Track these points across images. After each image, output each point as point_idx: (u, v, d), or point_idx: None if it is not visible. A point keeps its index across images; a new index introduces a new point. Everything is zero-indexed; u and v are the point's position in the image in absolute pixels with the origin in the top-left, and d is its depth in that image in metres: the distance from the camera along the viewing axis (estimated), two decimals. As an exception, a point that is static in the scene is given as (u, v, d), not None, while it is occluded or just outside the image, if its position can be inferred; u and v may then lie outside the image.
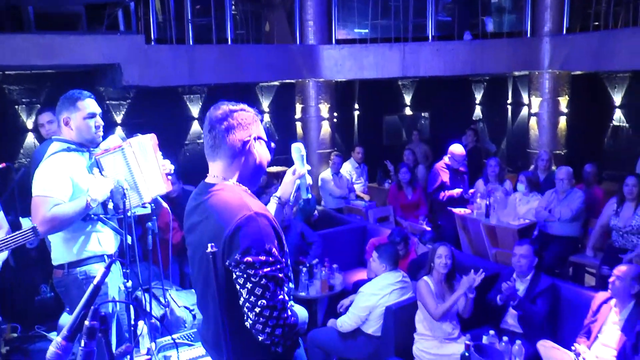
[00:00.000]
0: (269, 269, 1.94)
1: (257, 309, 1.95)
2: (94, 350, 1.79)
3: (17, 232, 2.83)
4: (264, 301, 1.94)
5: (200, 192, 2.17)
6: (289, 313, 2.02)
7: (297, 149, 2.41)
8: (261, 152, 2.20)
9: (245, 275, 1.95)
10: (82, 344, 1.81)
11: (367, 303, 4.32)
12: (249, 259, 1.92)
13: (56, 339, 1.82)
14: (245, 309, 1.98)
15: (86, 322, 1.81)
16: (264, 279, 1.94)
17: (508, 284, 4.19)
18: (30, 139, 8.09)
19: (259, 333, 1.98)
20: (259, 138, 2.18)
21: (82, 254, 3.23)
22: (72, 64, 6.59)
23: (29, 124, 8.05)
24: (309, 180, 2.45)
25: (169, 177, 3.50)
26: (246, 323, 1.99)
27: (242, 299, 1.98)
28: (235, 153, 2.13)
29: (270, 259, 1.95)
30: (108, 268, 1.92)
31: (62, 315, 4.47)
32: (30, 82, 8.03)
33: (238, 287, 1.98)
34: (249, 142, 2.14)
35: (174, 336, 3.20)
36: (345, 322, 4.39)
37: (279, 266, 1.98)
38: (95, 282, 1.87)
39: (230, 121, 2.11)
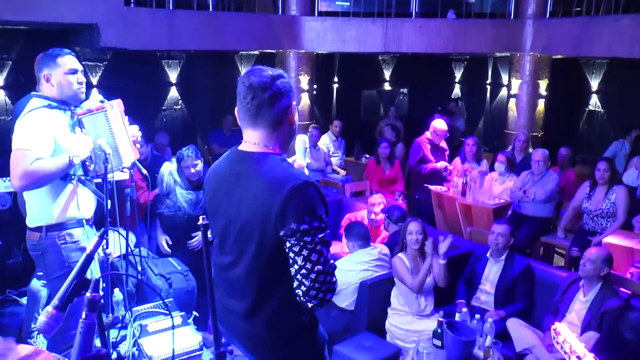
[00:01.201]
0: (322, 234, 1.99)
1: (313, 275, 1.98)
2: (95, 322, 1.76)
3: None
4: (319, 267, 1.98)
5: (239, 159, 2.13)
6: (335, 277, 2.08)
7: (302, 141, 2.43)
8: (296, 118, 2.19)
9: (301, 243, 1.96)
10: (84, 315, 1.77)
11: (342, 279, 4.33)
12: (305, 226, 1.94)
13: (47, 309, 1.79)
14: (299, 276, 2.00)
15: (87, 294, 1.77)
16: (319, 245, 1.98)
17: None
18: (0, 96, 7.89)
19: (311, 299, 2.00)
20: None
21: (61, 217, 3.15)
22: (47, 22, 6.40)
23: (0, 80, 7.84)
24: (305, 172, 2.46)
25: (137, 144, 3.44)
26: (298, 291, 2.02)
27: (294, 267, 2.00)
28: (279, 121, 2.09)
29: (323, 224, 1.98)
30: (101, 237, 1.89)
31: (32, 280, 4.41)
32: (2, 38, 7.79)
33: (292, 255, 1.99)
34: (291, 109, 2.12)
35: (149, 305, 3.16)
36: None
37: (328, 231, 2.03)
38: (88, 251, 1.84)
39: (274, 89, 2.05)
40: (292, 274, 2.02)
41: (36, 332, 4.17)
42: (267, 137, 2.10)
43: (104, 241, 3.07)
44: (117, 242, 3.17)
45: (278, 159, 2.09)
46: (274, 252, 2.03)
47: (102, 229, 2.02)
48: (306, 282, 1.99)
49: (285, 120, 2.11)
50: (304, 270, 1.98)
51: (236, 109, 2.14)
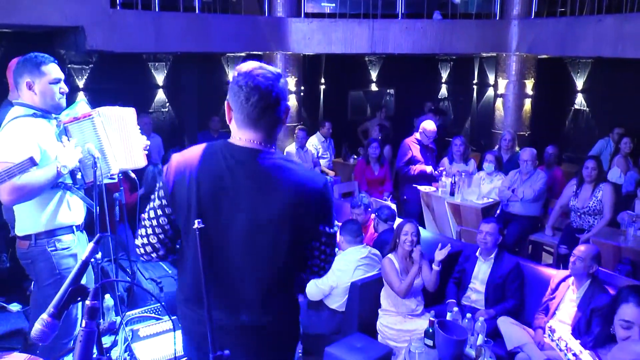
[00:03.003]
0: (337, 230, 2.16)
1: (329, 261, 2.21)
2: (96, 330, 1.74)
3: (14, 164, 2.66)
4: (332, 255, 2.22)
5: (245, 157, 2.04)
6: None
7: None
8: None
9: (327, 242, 2.14)
10: (83, 324, 1.75)
11: (334, 279, 4.33)
12: (334, 230, 2.14)
13: (42, 316, 1.76)
14: (317, 264, 2.19)
15: (87, 302, 1.75)
16: (335, 239, 2.20)
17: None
18: (-16, 100, 7.80)
19: (315, 275, 2.24)
20: None
21: (50, 224, 3.10)
22: (32, 24, 6.33)
23: (-17, 84, 7.75)
24: None
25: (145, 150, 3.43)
26: (309, 274, 2.22)
27: (314, 259, 2.17)
28: (280, 122, 2.08)
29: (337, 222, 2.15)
30: (97, 244, 1.87)
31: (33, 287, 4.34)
32: (-16, 41, 7.72)
33: (312, 250, 2.14)
34: (289, 109, 2.12)
35: (140, 310, 3.14)
36: (310, 291, 4.41)
37: None
38: (83, 257, 1.82)
39: (278, 91, 2.01)
40: (310, 263, 2.17)
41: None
42: (268, 137, 2.06)
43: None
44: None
45: (290, 160, 2.13)
46: (293, 247, 2.07)
47: (97, 235, 1.99)
48: (325, 267, 2.21)
49: (284, 120, 2.10)
50: (320, 262, 2.17)
51: (229, 106, 2.06)
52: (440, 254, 4.29)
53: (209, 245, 1.99)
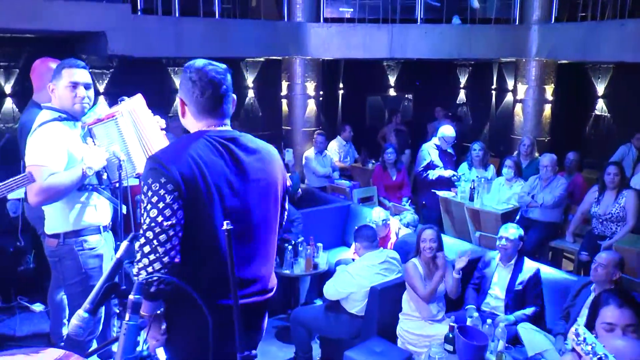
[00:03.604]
0: None
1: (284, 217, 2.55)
2: (138, 325, 1.77)
3: (12, 178, 2.69)
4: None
5: (226, 134, 2.23)
6: None
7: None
8: None
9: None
10: (127, 317, 1.79)
11: (350, 283, 4.33)
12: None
13: (78, 312, 1.80)
14: (280, 222, 2.47)
15: (131, 297, 1.78)
16: None
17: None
18: (8, 104, 7.92)
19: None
20: None
21: (78, 224, 3.16)
22: (55, 30, 6.44)
23: (7, 88, 7.87)
24: None
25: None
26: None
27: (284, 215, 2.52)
28: (229, 111, 2.32)
29: None
30: (131, 242, 1.90)
31: (52, 287, 4.39)
32: (10, 46, 7.84)
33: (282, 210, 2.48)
34: (235, 101, 2.37)
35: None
36: (327, 290, 4.42)
37: None
38: (118, 255, 1.85)
39: (227, 85, 2.27)
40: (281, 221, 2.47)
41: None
42: (224, 119, 2.28)
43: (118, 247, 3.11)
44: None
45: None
46: (282, 210, 2.45)
47: (131, 233, 2.01)
48: (282, 224, 2.52)
49: (232, 110, 2.33)
50: (282, 219, 2.48)
51: (183, 102, 2.23)
52: (460, 262, 4.27)
53: (234, 231, 1.99)
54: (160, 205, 2.00)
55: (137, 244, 2.01)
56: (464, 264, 4.26)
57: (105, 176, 3.22)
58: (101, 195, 3.25)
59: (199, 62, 2.19)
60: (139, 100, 3.25)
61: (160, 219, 1.99)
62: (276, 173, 2.33)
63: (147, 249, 1.98)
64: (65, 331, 4.01)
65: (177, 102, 2.23)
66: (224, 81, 2.22)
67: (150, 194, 2.02)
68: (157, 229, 1.99)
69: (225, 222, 1.82)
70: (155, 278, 1.96)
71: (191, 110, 2.22)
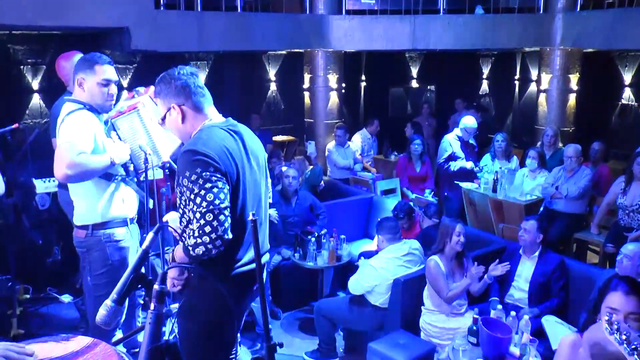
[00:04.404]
0: None
1: None
2: (163, 313, 1.83)
3: None
4: None
5: (237, 131, 2.54)
6: None
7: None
8: None
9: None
10: (152, 307, 1.87)
11: (375, 275, 4.34)
12: None
13: (106, 302, 1.86)
14: None
15: (155, 286, 1.86)
16: None
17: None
18: (35, 99, 8.07)
19: None
20: None
21: (106, 216, 3.24)
22: (80, 26, 6.53)
23: (35, 84, 8.02)
24: None
25: None
26: None
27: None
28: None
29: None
30: (156, 234, 1.95)
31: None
32: (36, 43, 7.98)
33: None
34: None
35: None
36: (352, 286, 4.43)
37: None
38: (144, 246, 1.90)
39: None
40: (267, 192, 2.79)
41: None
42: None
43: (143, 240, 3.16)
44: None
45: None
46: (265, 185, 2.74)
47: (157, 225, 2.08)
48: None
49: None
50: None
51: (181, 110, 2.48)
52: (497, 270, 4.26)
53: (252, 205, 2.53)
54: (215, 190, 2.28)
55: (194, 225, 2.26)
56: (500, 273, 4.26)
57: (131, 167, 3.28)
58: (128, 186, 3.31)
59: (178, 69, 2.51)
60: (148, 94, 3.34)
61: (217, 201, 2.27)
62: (261, 150, 2.68)
63: (208, 228, 2.24)
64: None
65: (172, 111, 2.49)
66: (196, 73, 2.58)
67: (201, 181, 2.27)
68: (217, 211, 2.26)
69: (251, 213, 2.09)
70: (213, 251, 2.27)
71: (191, 110, 2.50)
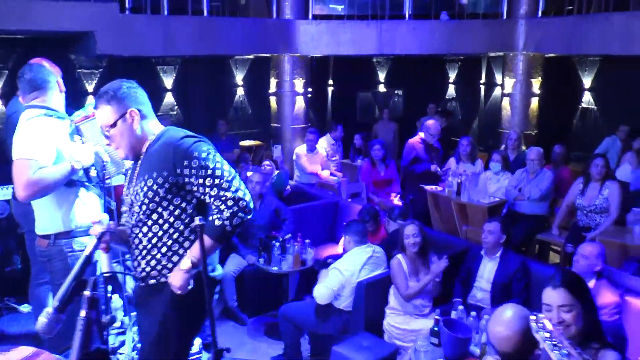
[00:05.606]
0: None
1: None
2: (94, 319, 1.81)
3: None
4: None
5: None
6: None
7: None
8: None
9: None
10: (83, 313, 1.84)
11: (340, 278, 4.37)
12: None
13: (46, 310, 1.83)
14: None
15: (86, 292, 1.82)
16: None
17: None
18: (-2, 105, 7.94)
19: None
20: None
21: (69, 225, 3.18)
22: (45, 30, 6.45)
23: (-3, 89, 7.89)
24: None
25: None
26: None
27: None
28: None
29: None
30: (99, 240, 1.93)
31: (32, 286, 4.42)
32: (0, 47, 7.85)
33: None
34: None
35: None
36: (319, 294, 4.42)
37: None
38: (86, 252, 1.88)
39: None
40: None
41: None
42: None
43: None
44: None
45: None
46: None
47: (100, 232, 2.06)
48: None
49: None
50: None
51: (136, 113, 2.49)
52: (438, 267, 4.32)
53: None
54: (224, 161, 2.42)
55: (220, 199, 2.32)
56: (440, 269, 4.31)
57: (94, 173, 3.25)
58: (91, 191, 3.27)
59: (123, 81, 2.55)
60: None
61: (232, 170, 2.41)
62: None
63: (241, 193, 2.36)
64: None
65: (127, 117, 2.48)
66: None
67: (212, 156, 2.39)
68: (237, 177, 2.40)
69: (197, 218, 2.12)
70: (246, 217, 2.38)
71: (147, 115, 2.54)
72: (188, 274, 2.34)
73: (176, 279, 2.35)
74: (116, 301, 3.41)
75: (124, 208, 2.60)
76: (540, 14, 8.70)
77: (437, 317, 3.79)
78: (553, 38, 8.28)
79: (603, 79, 10.04)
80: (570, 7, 8.33)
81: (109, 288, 3.26)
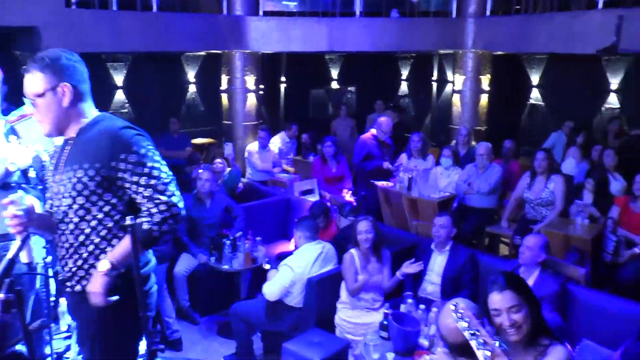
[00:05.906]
0: None
1: None
2: (9, 322, 1.75)
3: None
4: None
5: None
6: None
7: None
8: None
9: None
10: None
11: (291, 275, 4.36)
12: None
13: None
14: None
15: (0, 295, 1.76)
16: None
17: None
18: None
19: None
20: None
21: (4, 229, 3.04)
22: (-16, 25, 6.24)
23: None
24: None
25: None
26: None
27: None
28: None
29: None
30: (24, 242, 1.87)
31: None
32: (-62, 44, 7.55)
33: None
34: None
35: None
36: (269, 291, 4.40)
37: None
38: (9, 255, 1.82)
39: None
40: None
41: None
42: None
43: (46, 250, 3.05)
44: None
45: None
46: None
47: (26, 233, 1.99)
48: None
49: None
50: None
51: (70, 88, 2.26)
52: (410, 268, 4.39)
53: None
54: (163, 162, 2.26)
55: (152, 202, 2.17)
56: (412, 271, 4.40)
57: (32, 174, 3.14)
58: (28, 194, 3.15)
59: (64, 51, 2.29)
60: None
61: (170, 172, 2.26)
62: None
63: (175, 198, 2.21)
64: None
65: (58, 90, 2.24)
66: None
67: (150, 154, 2.21)
68: (174, 181, 2.25)
69: (128, 218, 1.99)
70: (176, 225, 2.22)
71: (83, 94, 2.32)
72: (107, 276, 2.16)
73: (94, 283, 2.18)
74: (63, 304, 3.31)
75: (48, 194, 2.43)
76: (488, 13, 8.87)
77: (386, 311, 3.82)
78: (501, 36, 8.47)
79: (550, 76, 10.31)
80: (518, 7, 8.53)
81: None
